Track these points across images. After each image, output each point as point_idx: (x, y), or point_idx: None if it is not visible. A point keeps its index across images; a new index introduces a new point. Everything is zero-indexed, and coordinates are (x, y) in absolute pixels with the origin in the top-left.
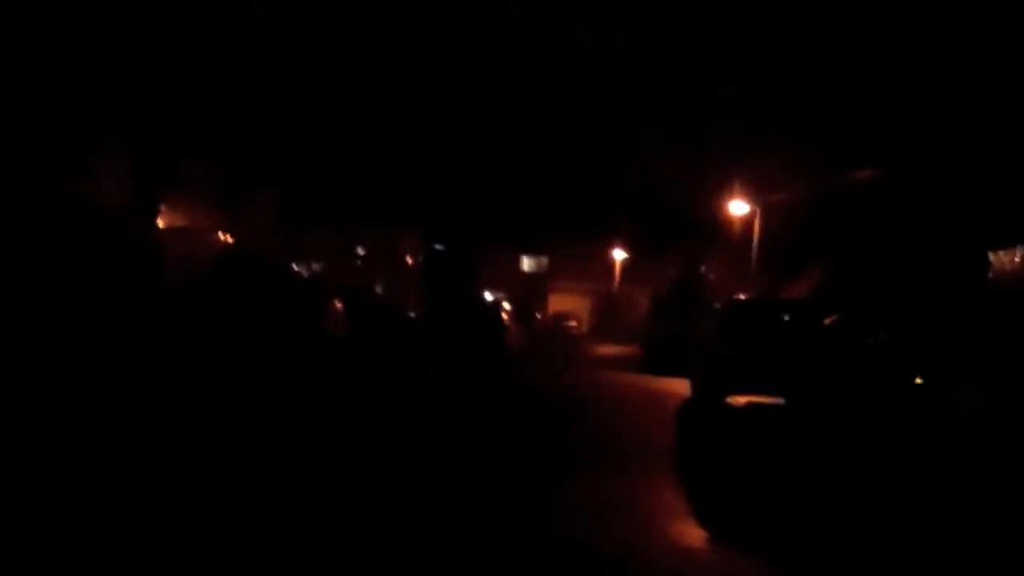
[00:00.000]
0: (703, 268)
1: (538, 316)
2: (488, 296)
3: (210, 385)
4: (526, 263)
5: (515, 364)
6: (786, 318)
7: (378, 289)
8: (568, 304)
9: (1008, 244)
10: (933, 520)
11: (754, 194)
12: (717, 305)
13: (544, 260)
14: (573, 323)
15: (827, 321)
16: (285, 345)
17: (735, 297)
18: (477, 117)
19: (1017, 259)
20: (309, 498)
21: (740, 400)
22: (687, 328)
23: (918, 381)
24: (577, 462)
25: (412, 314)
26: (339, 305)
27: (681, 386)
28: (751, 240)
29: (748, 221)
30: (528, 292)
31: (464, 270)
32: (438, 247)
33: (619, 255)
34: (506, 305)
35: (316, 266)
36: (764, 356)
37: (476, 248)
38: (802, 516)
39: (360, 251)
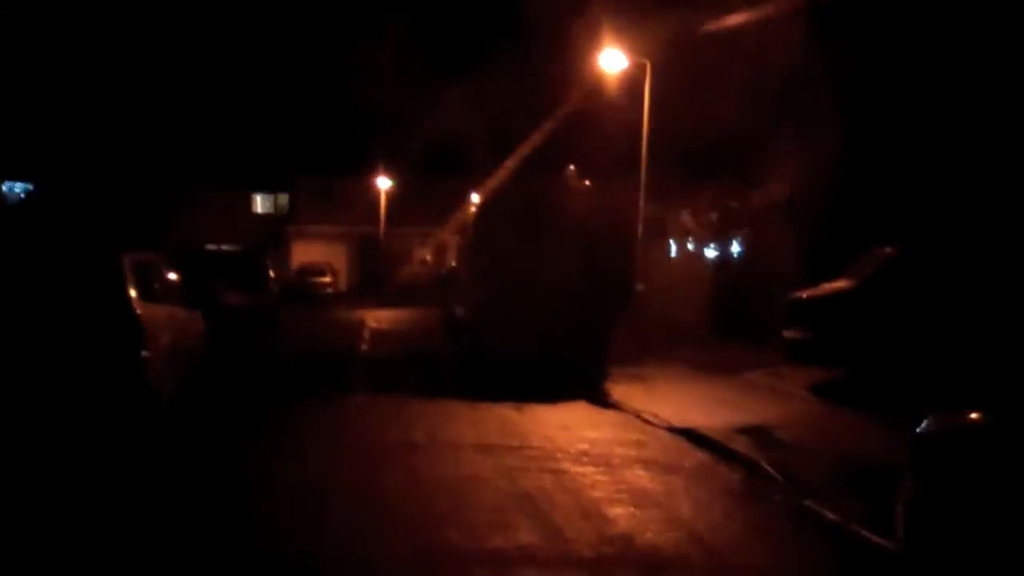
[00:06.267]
0: (571, 169)
1: (271, 274)
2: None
3: None
4: (260, 203)
5: (184, 405)
6: None
7: None
8: (319, 254)
9: None
10: None
11: (637, 42)
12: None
13: (284, 198)
14: (327, 279)
15: None
16: None
17: None
18: None
19: None
20: None
21: None
22: (553, 291)
23: None
24: None
25: None
26: None
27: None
28: (638, 118)
29: (631, 85)
30: (263, 242)
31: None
32: None
33: (384, 184)
34: (172, 274)
35: None
36: None
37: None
38: None
39: None
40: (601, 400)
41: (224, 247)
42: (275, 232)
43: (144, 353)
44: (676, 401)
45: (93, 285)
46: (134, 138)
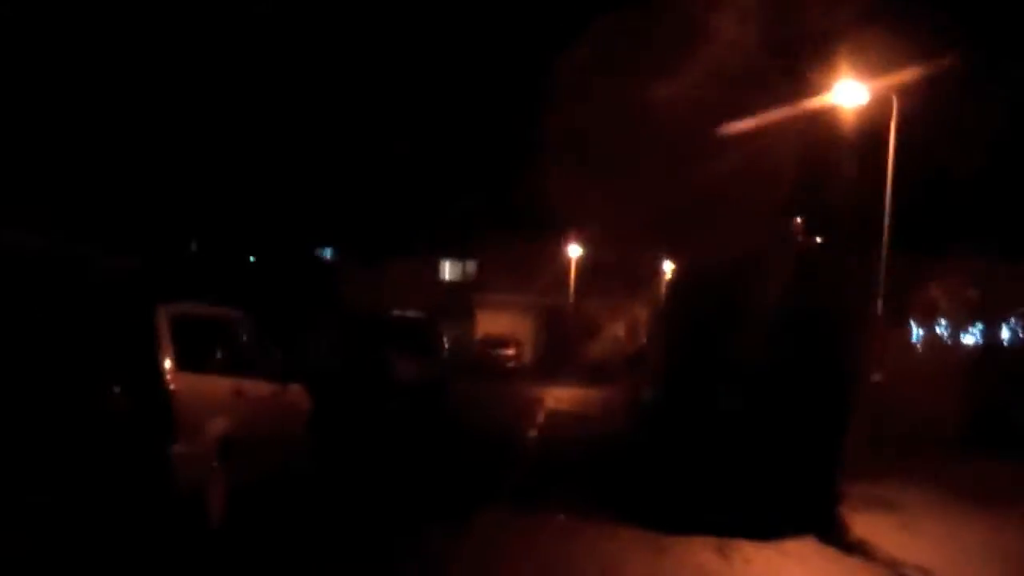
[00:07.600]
0: (796, 222)
1: (445, 344)
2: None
3: None
4: (448, 270)
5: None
6: None
7: None
8: (505, 323)
9: None
10: None
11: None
12: None
13: (472, 265)
14: (510, 352)
15: None
16: None
17: None
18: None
19: None
20: None
21: None
22: (764, 378)
23: None
24: None
25: None
26: None
27: None
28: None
29: (866, 123)
30: (448, 309)
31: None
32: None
33: (575, 252)
34: (250, 336)
35: None
36: None
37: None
38: None
39: None
40: (838, 539)
41: (407, 313)
42: (462, 299)
43: (173, 448)
44: (955, 550)
45: (105, 350)
46: (309, 195)
